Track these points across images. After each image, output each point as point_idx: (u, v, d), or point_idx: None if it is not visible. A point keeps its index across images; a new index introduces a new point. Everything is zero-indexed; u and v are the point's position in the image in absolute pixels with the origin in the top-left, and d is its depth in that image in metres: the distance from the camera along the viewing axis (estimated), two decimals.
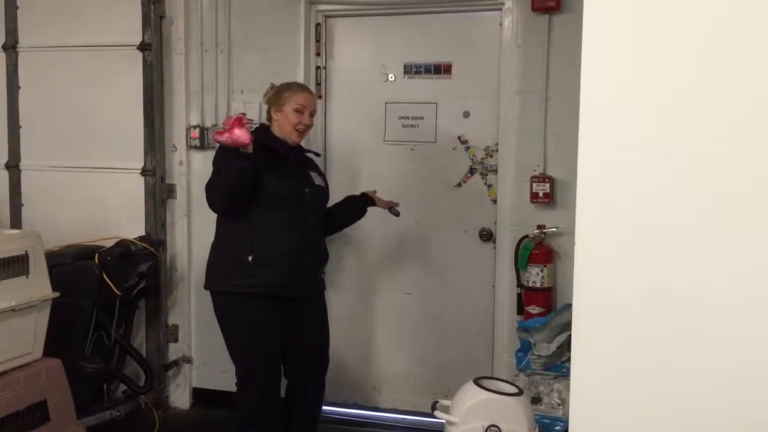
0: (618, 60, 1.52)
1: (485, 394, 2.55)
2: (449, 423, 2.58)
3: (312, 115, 3.14)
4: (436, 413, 2.66)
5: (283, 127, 3.09)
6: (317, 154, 3.39)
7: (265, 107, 3.25)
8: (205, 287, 3.13)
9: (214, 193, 2.96)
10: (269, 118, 3.18)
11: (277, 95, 3.13)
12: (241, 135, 2.76)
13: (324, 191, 3.24)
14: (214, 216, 4.06)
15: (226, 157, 2.85)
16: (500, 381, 2.75)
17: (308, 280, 3.12)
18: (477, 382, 2.62)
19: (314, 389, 3.23)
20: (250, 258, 2.94)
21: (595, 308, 1.55)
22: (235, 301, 2.99)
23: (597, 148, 1.54)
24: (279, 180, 3.00)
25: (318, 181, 3.21)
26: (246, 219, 2.98)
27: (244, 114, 2.88)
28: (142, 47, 3.93)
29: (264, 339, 3.01)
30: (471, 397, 2.57)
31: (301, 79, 3.88)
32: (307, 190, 3.10)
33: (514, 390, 2.61)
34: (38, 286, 3.06)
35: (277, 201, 2.98)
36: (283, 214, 2.99)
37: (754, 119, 1.45)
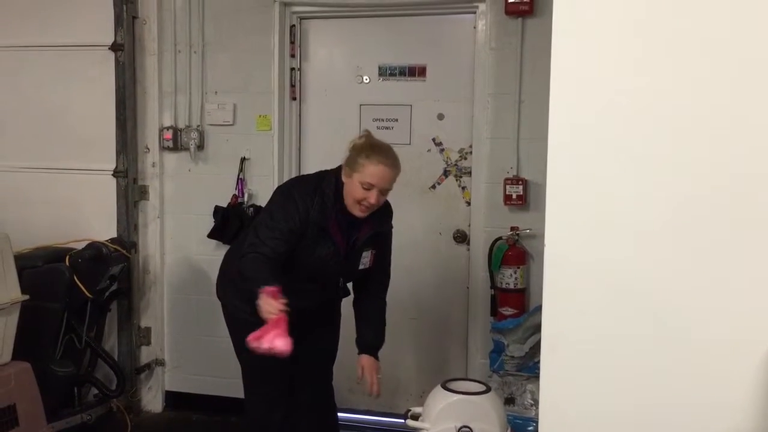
0: (586, 64, 1.54)
1: (454, 397, 2.57)
2: (421, 429, 2.59)
3: (384, 193, 2.67)
4: (408, 422, 2.66)
5: (346, 195, 2.66)
6: (389, 228, 2.90)
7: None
8: (217, 294, 2.98)
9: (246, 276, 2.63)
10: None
11: (355, 153, 2.64)
12: (282, 346, 2.32)
13: (364, 272, 2.85)
14: (187, 218, 4.07)
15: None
16: (468, 381, 2.76)
17: (318, 314, 2.91)
18: (445, 385, 2.64)
19: (319, 413, 3.05)
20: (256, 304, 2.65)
21: (563, 309, 1.57)
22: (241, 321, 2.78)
23: (566, 151, 1.56)
24: (316, 261, 2.68)
25: (363, 264, 2.80)
26: None
27: (285, 312, 2.38)
28: (115, 47, 3.90)
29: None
30: (440, 401, 2.58)
31: (275, 81, 3.88)
32: (342, 280, 2.82)
33: (483, 388, 2.63)
34: (7, 288, 3.02)
35: (299, 277, 2.69)
36: (299, 286, 2.66)
37: (718, 122, 1.48)
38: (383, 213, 2.81)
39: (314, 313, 2.85)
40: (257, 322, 2.46)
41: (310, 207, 2.64)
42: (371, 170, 2.58)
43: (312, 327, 2.88)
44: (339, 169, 2.72)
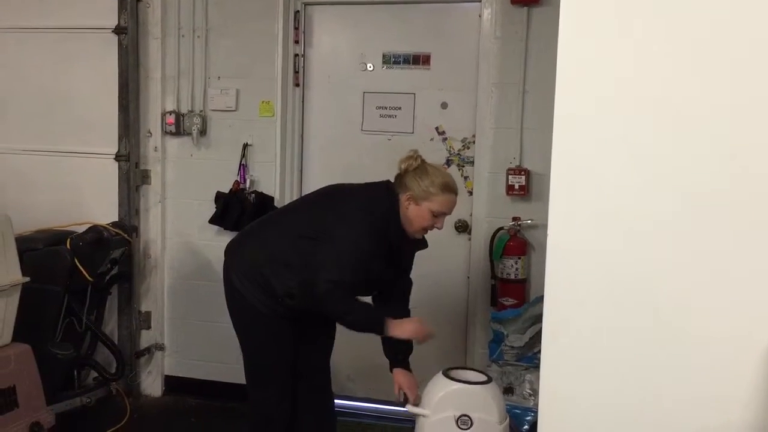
0: (593, 55, 1.53)
1: (454, 385, 2.57)
2: (421, 415, 2.60)
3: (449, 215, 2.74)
4: (408, 407, 2.67)
5: (412, 221, 2.67)
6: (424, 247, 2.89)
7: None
8: (231, 282, 2.80)
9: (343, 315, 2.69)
10: (396, 194, 2.68)
11: (422, 184, 2.63)
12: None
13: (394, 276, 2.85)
14: (188, 203, 4.06)
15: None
16: (469, 370, 2.77)
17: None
18: (446, 373, 2.64)
19: (318, 408, 3.04)
20: (280, 298, 2.69)
21: (565, 299, 1.57)
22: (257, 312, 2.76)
23: (570, 142, 1.55)
24: (362, 276, 2.66)
25: (390, 276, 2.81)
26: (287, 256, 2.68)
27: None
28: (118, 30, 3.88)
29: (277, 346, 2.81)
30: (440, 388, 2.59)
31: (279, 67, 3.87)
32: (375, 288, 2.85)
33: (483, 378, 2.64)
34: (8, 270, 3.02)
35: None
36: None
37: (724, 115, 1.47)
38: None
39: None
40: (273, 316, 2.66)
41: (376, 250, 2.63)
42: (443, 200, 2.64)
43: (313, 320, 2.85)
44: (388, 190, 2.69)
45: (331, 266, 2.56)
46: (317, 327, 2.91)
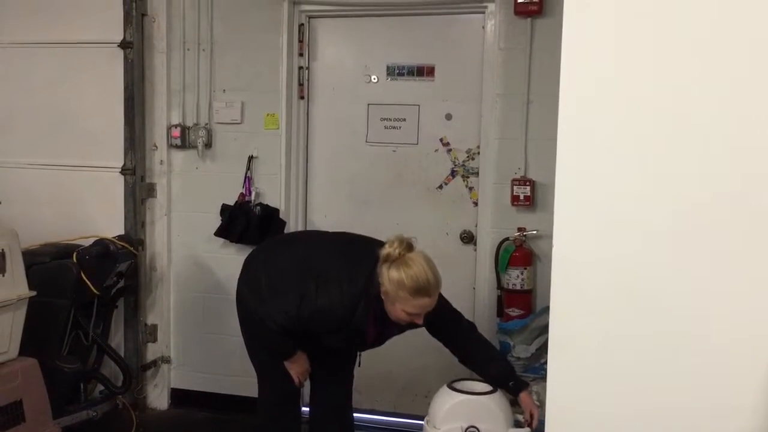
0: (596, 65, 1.54)
1: (460, 397, 2.57)
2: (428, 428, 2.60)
3: (429, 311, 2.58)
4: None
5: (390, 313, 2.58)
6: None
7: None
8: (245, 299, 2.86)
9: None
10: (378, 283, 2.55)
11: (393, 283, 2.48)
12: None
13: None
14: (194, 216, 4.07)
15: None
16: (475, 381, 2.76)
17: None
18: (451, 385, 2.64)
19: (336, 410, 3.05)
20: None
21: (571, 310, 1.57)
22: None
23: (574, 152, 1.55)
24: (337, 341, 2.69)
25: (390, 338, 2.80)
26: None
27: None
28: (124, 45, 3.91)
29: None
30: (446, 401, 2.58)
31: (283, 80, 3.88)
32: (357, 350, 2.88)
33: (488, 388, 2.63)
34: (15, 284, 3.03)
35: (314, 340, 2.72)
36: (311, 344, 2.77)
37: (729, 123, 1.47)
38: None
39: None
40: None
41: (350, 314, 2.56)
42: (415, 304, 2.50)
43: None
44: (370, 277, 2.57)
45: (283, 314, 2.59)
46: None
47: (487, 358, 2.78)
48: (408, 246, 2.55)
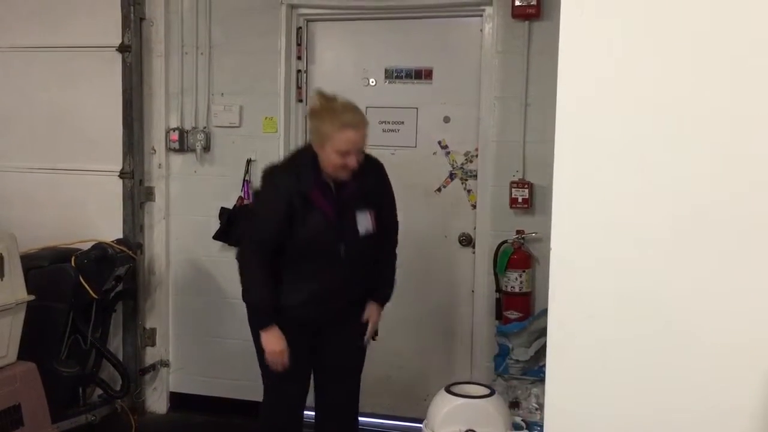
0: (594, 67, 1.54)
1: (458, 400, 2.57)
2: None
3: (362, 151, 2.69)
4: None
5: (325, 164, 2.67)
6: (381, 179, 2.89)
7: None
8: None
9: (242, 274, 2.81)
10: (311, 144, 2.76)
11: (318, 123, 2.66)
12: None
13: (369, 237, 2.80)
14: (192, 219, 4.08)
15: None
16: (472, 384, 2.76)
17: (340, 313, 2.90)
18: (448, 389, 2.63)
19: (340, 416, 3.05)
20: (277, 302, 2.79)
21: (569, 312, 1.57)
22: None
23: (572, 154, 1.56)
24: (308, 234, 2.68)
25: (363, 226, 2.77)
26: (276, 263, 2.75)
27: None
28: (122, 49, 3.91)
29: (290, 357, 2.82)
30: (444, 405, 2.59)
31: (282, 83, 3.88)
32: (343, 248, 2.74)
33: (486, 392, 2.63)
34: (13, 288, 3.03)
35: (305, 256, 2.73)
36: (311, 267, 2.74)
37: (726, 126, 1.48)
38: (367, 167, 2.77)
39: (337, 313, 2.88)
40: (283, 323, 2.76)
41: (289, 183, 2.69)
42: (342, 137, 2.59)
43: (337, 329, 2.91)
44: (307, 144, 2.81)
45: (246, 223, 2.79)
46: (341, 337, 2.93)
47: (384, 280, 2.97)
48: (330, 97, 2.71)
